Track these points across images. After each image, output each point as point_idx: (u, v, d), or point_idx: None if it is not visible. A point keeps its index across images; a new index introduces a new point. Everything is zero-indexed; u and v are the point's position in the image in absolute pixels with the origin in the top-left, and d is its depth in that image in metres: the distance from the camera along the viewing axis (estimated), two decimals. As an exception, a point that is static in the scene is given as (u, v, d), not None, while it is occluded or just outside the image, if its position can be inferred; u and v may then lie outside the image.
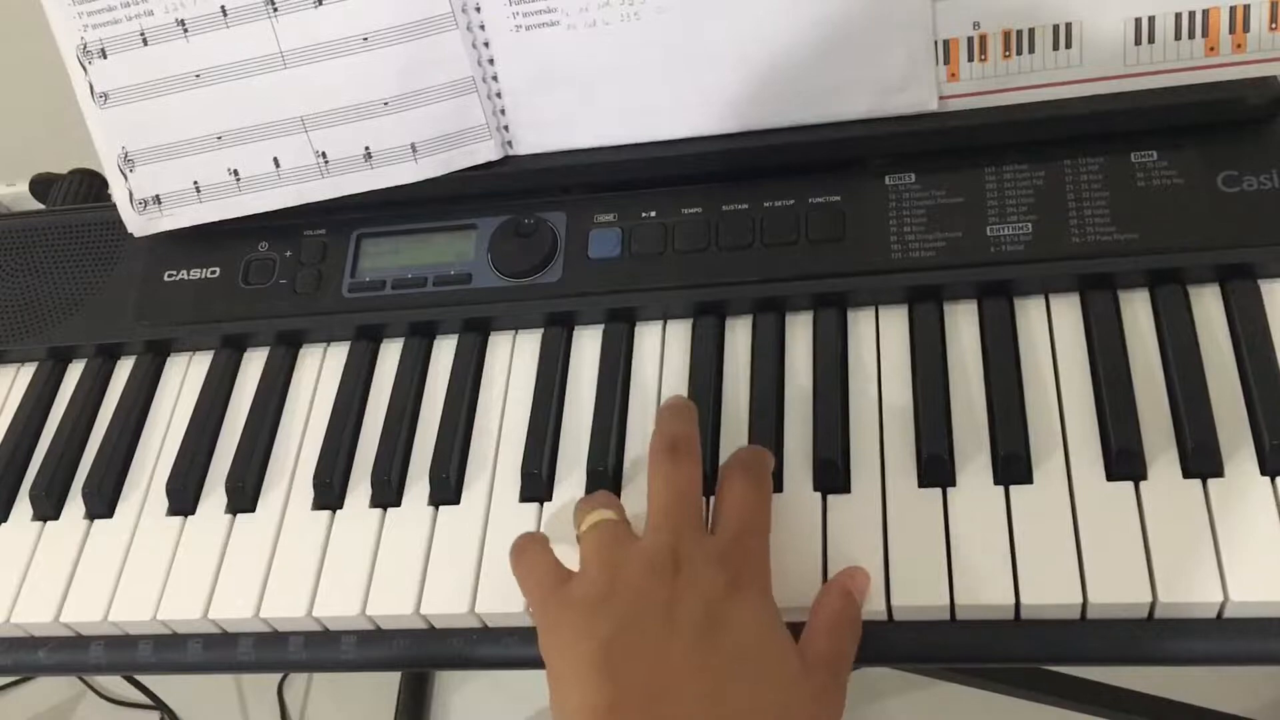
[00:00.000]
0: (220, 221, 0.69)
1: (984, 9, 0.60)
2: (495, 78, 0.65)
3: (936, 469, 0.55)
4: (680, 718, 0.46)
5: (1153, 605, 0.50)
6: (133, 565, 0.63)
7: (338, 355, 0.68)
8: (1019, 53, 0.60)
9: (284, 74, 0.65)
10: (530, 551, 0.55)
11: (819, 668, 0.49)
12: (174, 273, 0.71)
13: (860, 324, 0.61)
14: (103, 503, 0.65)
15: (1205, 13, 0.58)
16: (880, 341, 0.61)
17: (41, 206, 0.80)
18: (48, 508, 0.66)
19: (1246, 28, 0.58)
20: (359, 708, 1.34)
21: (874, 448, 0.57)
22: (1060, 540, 0.52)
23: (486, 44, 0.64)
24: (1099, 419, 0.55)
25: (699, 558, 0.50)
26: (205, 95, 0.66)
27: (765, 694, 0.47)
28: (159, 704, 1.33)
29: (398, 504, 0.62)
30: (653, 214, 0.65)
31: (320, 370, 0.68)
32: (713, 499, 0.55)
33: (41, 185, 0.81)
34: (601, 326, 0.65)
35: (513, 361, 0.65)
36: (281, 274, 0.69)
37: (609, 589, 0.50)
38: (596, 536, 0.53)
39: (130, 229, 0.71)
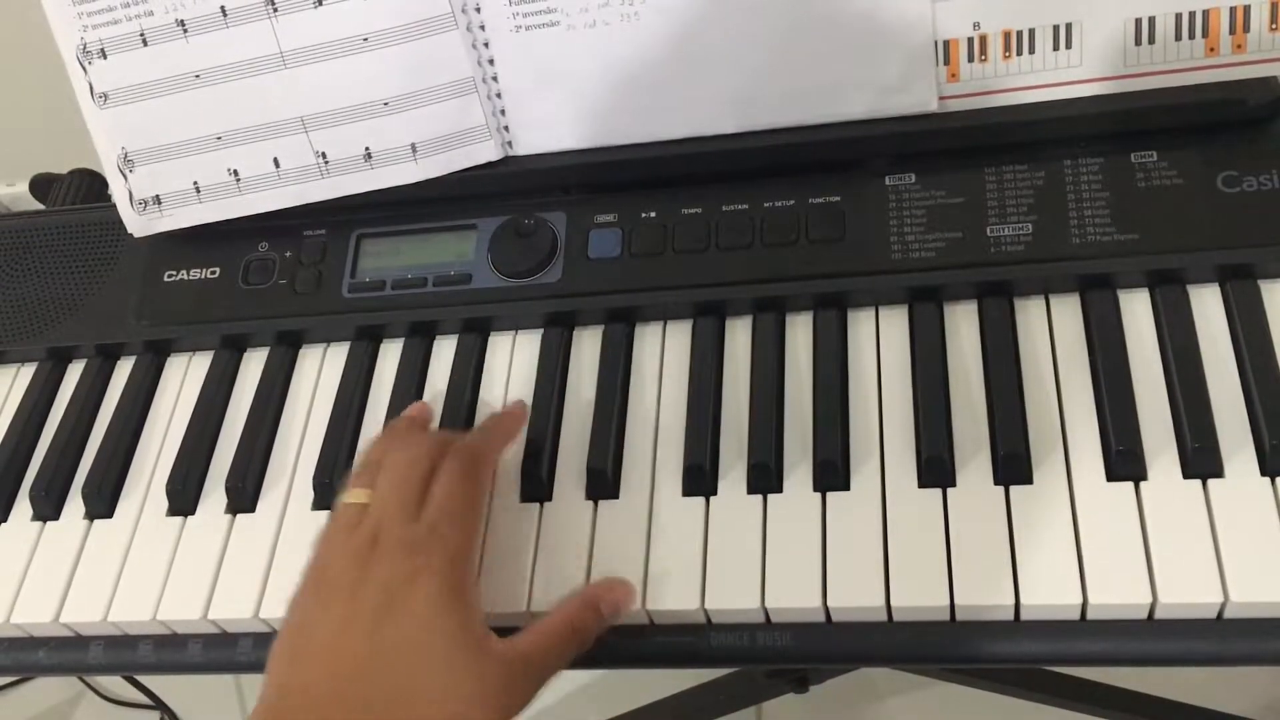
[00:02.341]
0: (220, 221, 0.69)
1: (984, 9, 0.60)
2: (495, 78, 0.65)
3: (936, 469, 0.55)
4: (344, 698, 0.49)
5: (1153, 605, 0.50)
6: (133, 565, 0.63)
7: (338, 355, 0.68)
8: (1019, 53, 0.60)
9: (284, 74, 0.65)
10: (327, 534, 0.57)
11: (504, 661, 0.51)
12: (174, 273, 0.71)
13: (860, 324, 0.61)
14: (103, 503, 0.65)
15: (1205, 13, 0.58)
16: (880, 341, 0.61)
17: (41, 206, 0.80)
18: (48, 508, 0.66)
19: (1246, 28, 0.58)
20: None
21: (874, 448, 0.57)
22: (1060, 540, 0.52)
23: (486, 44, 0.64)
24: (1099, 419, 0.55)
25: (391, 543, 0.53)
26: (205, 95, 0.66)
27: (426, 677, 0.49)
28: (159, 704, 1.33)
29: (398, 504, 0.62)
30: (653, 214, 0.65)
31: (320, 370, 0.68)
32: None
33: (41, 185, 0.81)
34: (601, 326, 0.65)
35: (513, 362, 0.65)
36: (281, 274, 0.69)
37: (321, 573, 0.54)
38: (333, 519, 0.56)
39: (130, 229, 0.71)
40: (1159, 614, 0.51)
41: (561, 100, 0.64)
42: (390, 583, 0.51)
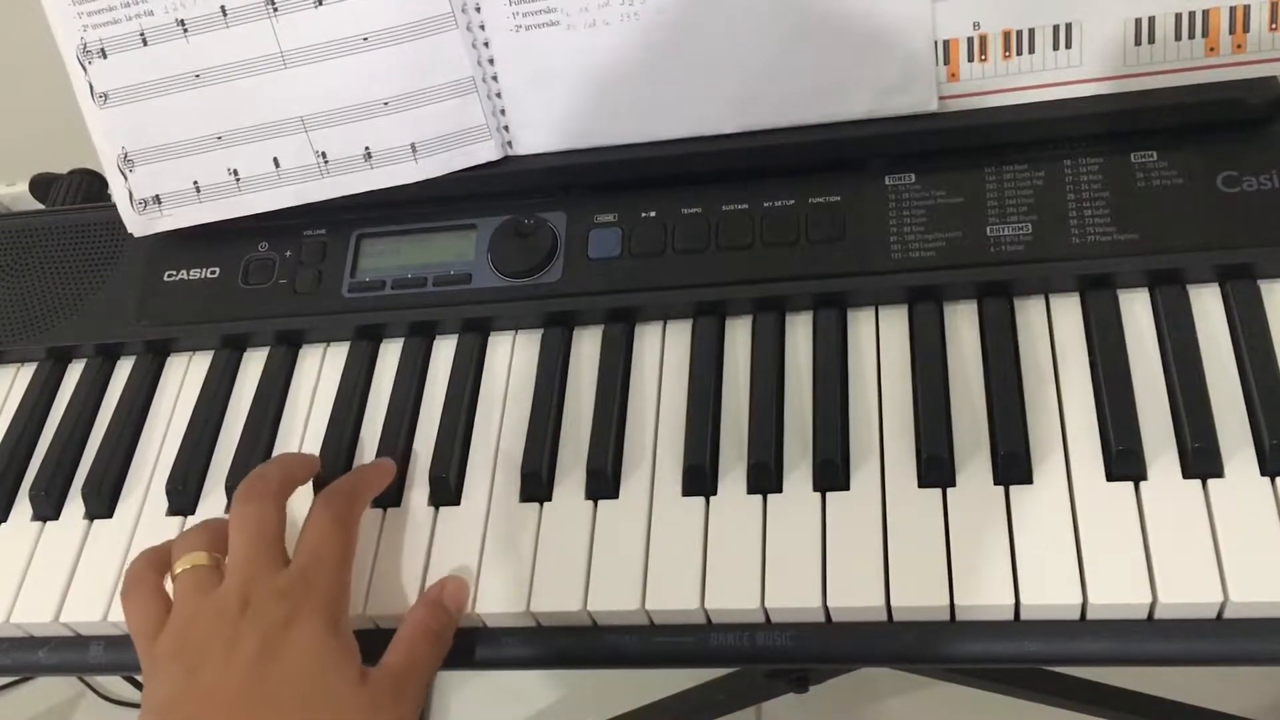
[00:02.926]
0: (220, 221, 0.69)
1: (984, 9, 0.60)
2: (495, 78, 0.65)
3: (936, 469, 0.55)
4: None
5: (1153, 605, 0.50)
6: (133, 565, 0.63)
7: (338, 355, 0.68)
8: (1019, 53, 0.60)
9: (284, 74, 0.65)
10: (134, 594, 0.56)
11: (383, 680, 0.53)
12: (174, 273, 0.71)
13: (860, 324, 0.61)
14: (102, 503, 0.65)
15: (1205, 13, 0.58)
16: (880, 341, 0.61)
17: (41, 206, 0.80)
18: (47, 508, 0.66)
19: (1246, 28, 0.58)
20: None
21: (874, 448, 0.57)
22: (1060, 540, 0.52)
23: (486, 44, 0.64)
24: (1099, 419, 0.55)
25: (263, 595, 0.52)
26: (205, 95, 0.66)
27: (318, 712, 0.50)
28: (159, 704, 1.33)
29: (397, 504, 0.62)
30: (653, 214, 0.65)
31: (320, 370, 0.68)
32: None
33: (41, 185, 0.81)
34: (601, 326, 0.65)
35: (513, 361, 0.65)
36: (281, 274, 0.69)
37: (180, 642, 0.53)
38: (181, 585, 0.55)
39: (130, 229, 0.71)
40: (1159, 614, 0.51)
41: (561, 100, 0.64)
42: (268, 630, 0.51)
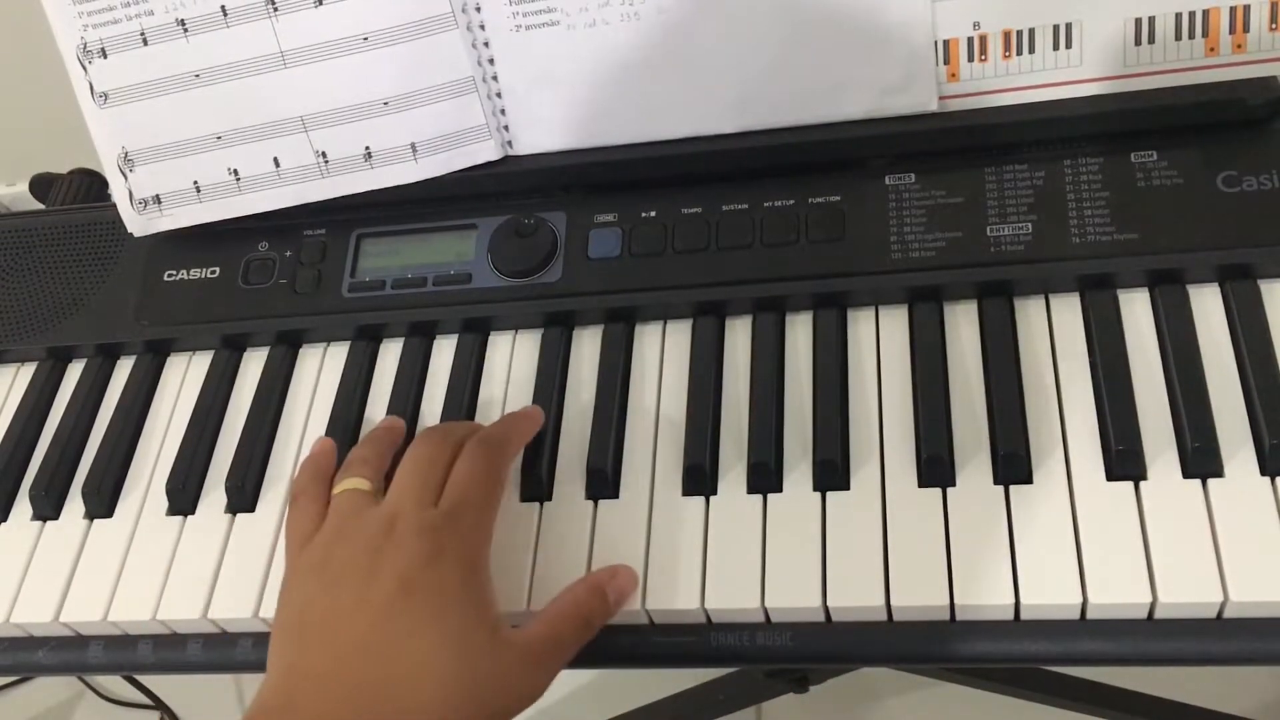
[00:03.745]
0: (220, 221, 0.69)
1: (984, 9, 0.60)
2: (495, 78, 0.65)
3: (936, 469, 0.55)
4: (354, 680, 0.48)
5: (1153, 605, 0.50)
6: (132, 565, 0.63)
7: (338, 355, 0.68)
8: (1019, 53, 0.60)
9: (284, 74, 0.65)
10: (293, 512, 0.57)
11: (517, 647, 0.51)
12: (174, 273, 0.71)
13: (860, 324, 0.61)
14: (102, 502, 0.65)
15: (1205, 13, 0.58)
16: (880, 341, 0.61)
17: (41, 206, 0.80)
18: (48, 507, 0.66)
19: (1246, 28, 0.58)
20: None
21: (874, 448, 0.57)
22: (1060, 540, 0.52)
23: (486, 44, 0.64)
24: (1099, 419, 0.55)
25: (410, 528, 0.52)
26: (205, 95, 0.66)
27: (440, 659, 0.49)
28: (159, 704, 1.33)
29: (398, 504, 0.62)
30: (653, 214, 0.65)
31: (320, 370, 0.68)
32: None
33: (41, 185, 0.81)
34: (601, 326, 0.65)
35: (513, 361, 0.65)
36: (281, 274, 0.69)
37: (323, 556, 0.53)
38: (336, 504, 0.56)
39: (130, 229, 0.71)
40: (1159, 614, 0.51)
41: (561, 100, 0.64)
42: (407, 568, 0.51)
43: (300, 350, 0.69)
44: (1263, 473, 0.52)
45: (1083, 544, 0.52)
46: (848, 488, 0.56)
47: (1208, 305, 0.58)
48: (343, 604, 0.51)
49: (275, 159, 0.67)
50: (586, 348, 0.65)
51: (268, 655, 0.52)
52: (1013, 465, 0.55)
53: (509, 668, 0.51)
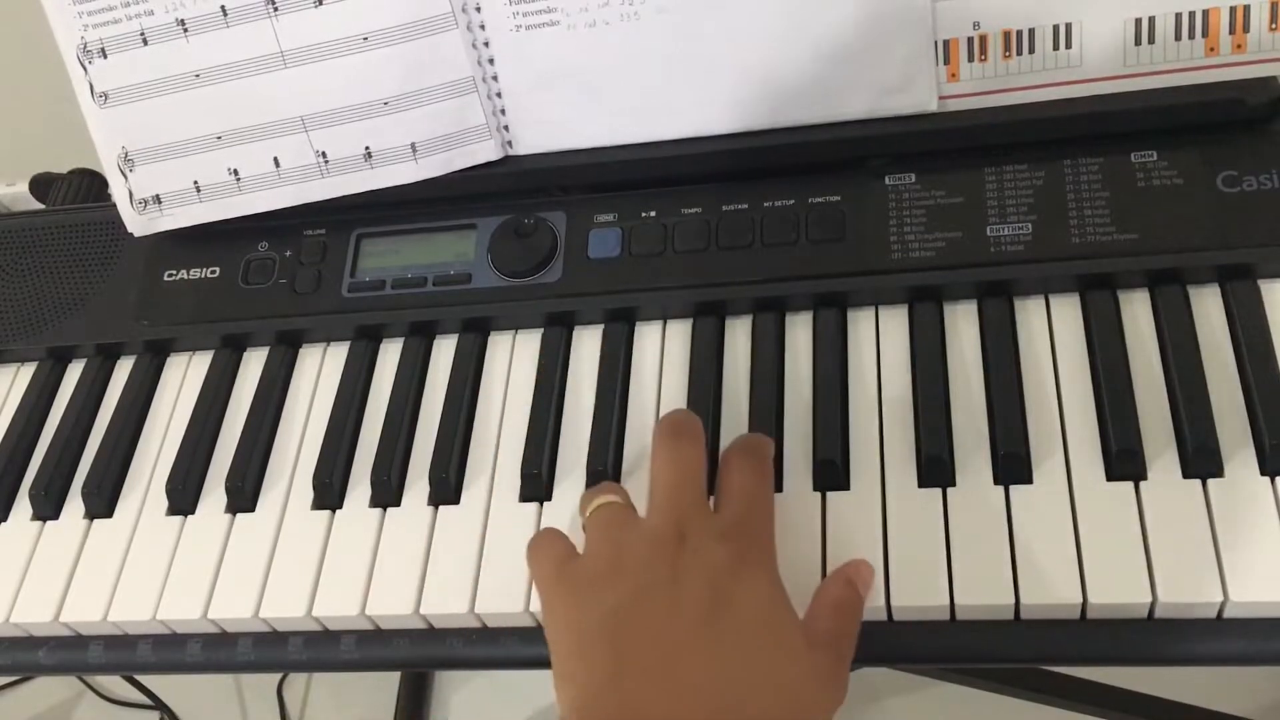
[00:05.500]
0: (220, 221, 0.69)
1: (984, 9, 0.59)
2: (495, 78, 0.65)
3: (936, 469, 0.55)
4: (683, 689, 0.46)
5: (1153, 605, 0.50)
6: (132, 565, 0.63)
7: (338, 355, 0.68)
8: (1019, 53, 0.60)
9: (284, 74, 0.65)
10: (544, 536, 0.56)
11: (822, 646, 0.49)
12: (174, 273, 0.71)
13: (860, 324, 0.61)
14: (102, 503, 0.65)
15: (1205, 13, 0.58)
16: (880, 341, 0.61)
17: (41, 206, 0.80)
18: (47, 508, 0.66)
19: (1246, 28, 0.58)
20: (359, 708, 1.34)
21: (874, 448, 0.57)
22: (1060, 540, 0.52)
23: (486, 44, 0.64)
24: (1099, 419, 0.55)
25: (703, 534, 0.50)
26: (205, 95, 0.66)
27: (769, 669, 0.47)
28: (159, 704, 1.33)
29: (397, 504, 0.62)
30: (653, 214, 0.65)
31: (320, 370, 0.68)
32: (716, 489, 0.55)
33: (41, 185, 0.81)
34: (601, 326, 0.65)
35: (513, 361, 0.65)
36: (281, 274, 0.69)
37: (614, 564, 0.50)
38: (601, 518, 0.53)
39: (130, 229, 0.71)
40: (1159, 614, 0.51)
41: (561, 100, 0.64)
42: (715, 575, 0.48)
43: (300, 350, 0.69)
44: (1263, 473, 0.52)
45: (1083, 544, 0.52)
46: (848, 488, 0.56)
47: (1208, 305, 0.58)
48: (660, 612, 0.47)
49: (275, 159, 0.67)
50: (586, 348, 0.65)
51: (560, 676, 0.49)
52: (1013, 465, 0.55)
53: (824, 674, 0.49)
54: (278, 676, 1.35)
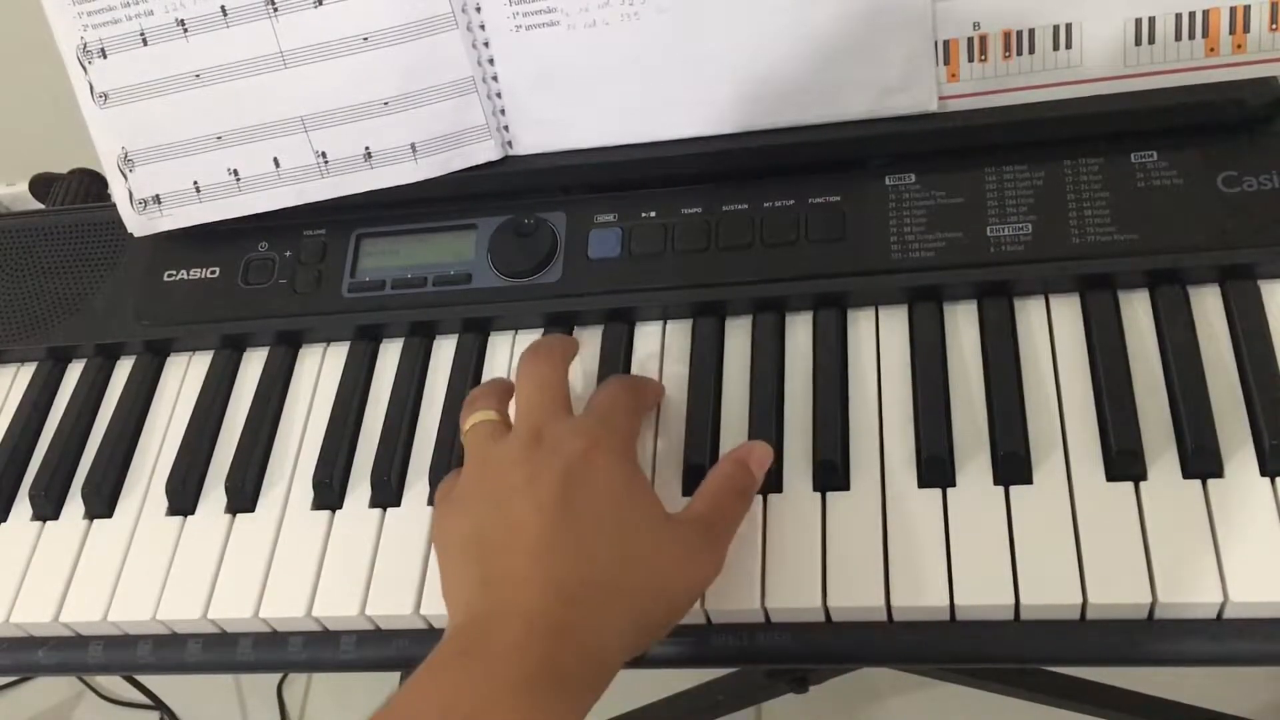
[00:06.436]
0: (220, 221, 0.69)
1: (984, 9, 0.59)
2: (495, 78, 0.65)
3: (936, 469, 0.55)
4: (549, 582, 0.48)
5: (1153, 605, 0.50)
6: (132, 565, 0.63)
7: (338, 355, 0.68)
8: (1019, 53, 0.60)
9: (284, 74, 0.65)
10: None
11: (689, 524, 0.52)
12: (174, 273, 0.71)
13: (860, 324, 0.61)
14: (102, 503, 0.65)
15: (1205, 13, 0.58)
16: (880, 341, 0.61)
17: (41, 206, 0.80)
18: (47, 508, 0.66)
19: (1246, 28, 0.58)
20: (359, 708, 1.34)
21: (874, 448, 0.57)
22: (1060, 540, 0.52)
23: (486, 44, 0.64)
24: (1099, 419, 0.55)
25: (559, 431, 0.53)
26: (205, 95, 0.66)
27: (630, 544, 0.50)
28: (159, 704, 1.33)
29: (397, 504, 0.62)
30: (653, 214, 0.65)
31: (320, 370, 0.68)
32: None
33: (41, 185, 0.81)
34: (601, 327, 0.65)
35: (513, 361, 0.65)
36: (281, 274, 0.69)
37: (480, 479, 0.53)
38: (473, 436, 0.56)
39: (130, 229, 0.71)
40: (1159, 614, 0.51)
41: (561, 100, 0.64)
42: (568, 461, 0.51)
43: (300, 350, 0.69)
44: (1262, 473, 0.52)
45: (1083, 544, 0.52)
46: (848, 488, 0.56)
47: (1208, 305, 0.58)
48: (517, 513, 0.50)
49: (275, 159, 0.67)
50: (587, 348, 0.65)
51: (444, 593, 0.52)
52: (1013, 465, 0.55)
53: (690, 544, 0.51)
54: (278, 676, 1.35)
